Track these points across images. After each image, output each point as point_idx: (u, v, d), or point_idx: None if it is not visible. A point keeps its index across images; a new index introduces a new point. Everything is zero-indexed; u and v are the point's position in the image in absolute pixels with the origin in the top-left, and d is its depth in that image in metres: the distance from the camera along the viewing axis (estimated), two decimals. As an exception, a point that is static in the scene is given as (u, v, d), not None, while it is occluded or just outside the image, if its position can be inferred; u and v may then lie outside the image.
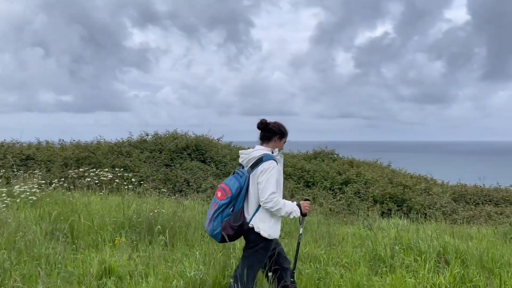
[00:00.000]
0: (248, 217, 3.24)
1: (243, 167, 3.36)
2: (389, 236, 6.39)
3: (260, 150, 3.34)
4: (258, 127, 3.39)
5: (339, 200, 10.34)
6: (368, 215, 9.03)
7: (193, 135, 14.37)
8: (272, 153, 3.33)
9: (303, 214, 3.44)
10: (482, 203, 12.37)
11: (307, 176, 12.52)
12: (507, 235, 8.63)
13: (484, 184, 15.10)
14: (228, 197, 3.18)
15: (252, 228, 3.21)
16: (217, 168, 12.62)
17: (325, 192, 11.30)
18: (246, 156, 3.34)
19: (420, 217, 9.82)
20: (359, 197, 10.63)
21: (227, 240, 3.23)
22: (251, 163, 3.28)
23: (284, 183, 11.74)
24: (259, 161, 3.23)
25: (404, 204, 10.16)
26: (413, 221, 9.56)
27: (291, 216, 3.30)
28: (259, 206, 3.21)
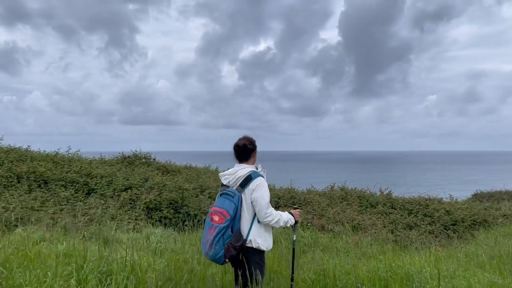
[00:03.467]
0: (244, 234, 3.30)
1: (227, 187, 3.42)
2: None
3: (246, 168, 3.43)
4: (236, 151, 3.52)
5: (107, 207, 8.72)
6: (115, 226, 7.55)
7: None
8: (257, 169, 3.47)
9: (296, 222, 3.58)
10: (283, 205, 11.93)
11: (92, 182, 10.67)
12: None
13: (305, 188, 15.03)
14: (227, 219, 3.21)
15: (249, 247, 3.29)
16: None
17: (102, 200, 9.59)
18: (231, 177, 3.42)
19: (197, 223, 8.69)
20: (134, 203, 9.14)
21: (228, 261, 3.27)
22: (239, 182, 3.36)
23: (57, 192, 8.88)
24: (249, 178, 3.34)
25: (182, 210, 8.96)
26: (182, 229, 8.38)
27: (288, 225, 3.47)
28: (252, 222, 3.32)
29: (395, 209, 12.10)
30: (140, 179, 10.57)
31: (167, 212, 8.87)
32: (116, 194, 9.80)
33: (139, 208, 8.90)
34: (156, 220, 8.74)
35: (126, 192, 9.68)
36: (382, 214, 11.67)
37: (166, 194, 9.19)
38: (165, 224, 8.60)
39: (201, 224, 8.49)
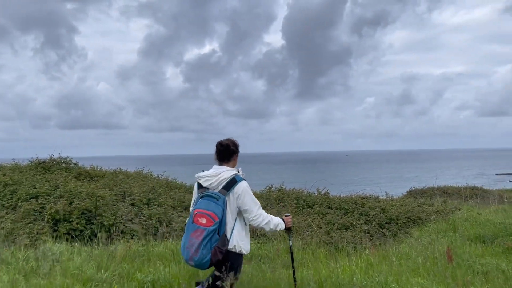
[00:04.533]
0: (227, 238, 3.25)
1: (206, 189, 3.31)
2: None
3: (228, 170, 3.36)
4: (219, 150, 3.46)
5: (5, 220, 7.48)
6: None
7: None
8: (238, 172, 3.41)
9: (288, 228, 3.62)
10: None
11: (4, 192, 9.26)
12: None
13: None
14: (216, 222, 3.11)
15: (232, 251, 3.23)
16: None
17: (3, 212, 8.29)
18: (214, 178, 3.30)
19: (112, 234, 7.69)
20: (39, 214, 7.96)
21: (214, 264, 3.18)
22: (223, 184, 3.27)
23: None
24: (233, 181, 3.27)
25: (96, 221, 7.91)
26: (92, 242, 7.35)
27: (278, 229, 3.48)
28: (234, 226, 3.25)
29: (332, 209, 11.75)
30: (50, 186, 9.31)
31: (77, 224, 7.75)
32: (20, 204, 8.51)
33: (43, 220, 7.71)
34: (64, 233, 7.61)
35: (30, 202, 8.42)
36: (318, 215, 11.25)
37: (77, 203, 8.07)
38: (74, 237, 7.50)
39: (116, 235, 7.51)
